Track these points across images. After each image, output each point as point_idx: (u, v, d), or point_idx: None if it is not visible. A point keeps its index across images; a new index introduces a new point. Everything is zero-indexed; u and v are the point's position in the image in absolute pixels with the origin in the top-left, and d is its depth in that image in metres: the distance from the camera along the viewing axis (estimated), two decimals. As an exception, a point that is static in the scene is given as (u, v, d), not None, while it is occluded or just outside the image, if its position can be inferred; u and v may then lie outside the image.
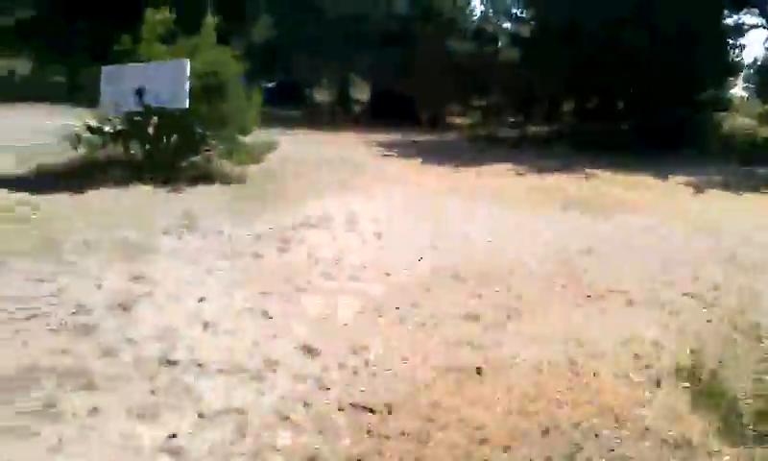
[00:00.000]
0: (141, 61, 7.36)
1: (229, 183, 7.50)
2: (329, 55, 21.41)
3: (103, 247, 4.78)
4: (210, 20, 7.74)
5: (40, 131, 10.14)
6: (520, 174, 11.06)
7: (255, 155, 7.74)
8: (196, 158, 7.76)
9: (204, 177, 7.50)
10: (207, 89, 7.39)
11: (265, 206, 6.62)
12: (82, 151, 7.48)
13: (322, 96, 27.34)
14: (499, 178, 10.52)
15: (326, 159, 10.50)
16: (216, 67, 7.44)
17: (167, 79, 7.12)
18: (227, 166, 7.88)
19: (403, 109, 22.26)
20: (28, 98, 17.20)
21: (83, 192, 6.50)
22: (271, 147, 7.97)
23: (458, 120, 23.98)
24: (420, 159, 12.46)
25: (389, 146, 14.78)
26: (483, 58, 21.88)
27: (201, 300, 3.92)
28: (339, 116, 22.46)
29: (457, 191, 8.70)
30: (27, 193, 6.17)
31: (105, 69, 7.43)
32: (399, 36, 21.01)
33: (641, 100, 17.70)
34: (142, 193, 6.70)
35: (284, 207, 6.63)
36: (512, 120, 22.46)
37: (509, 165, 11.86)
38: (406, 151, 13.91)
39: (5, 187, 6.40)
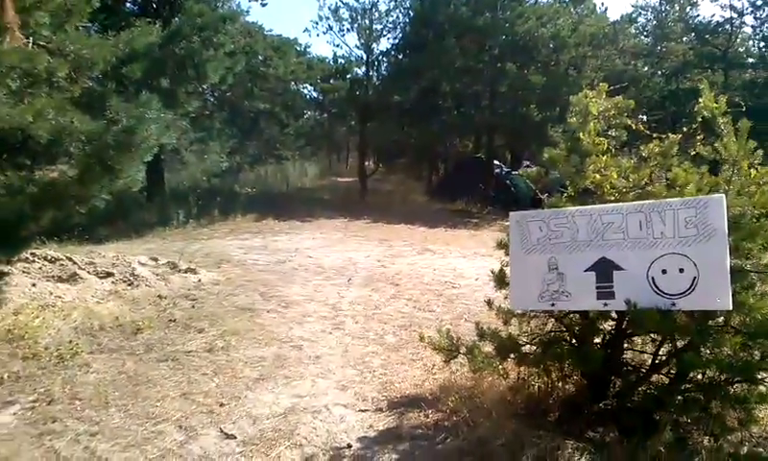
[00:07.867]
0: (600, 201, 3.53)
1: None
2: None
3: None
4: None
5: (352, 279, 7.39)
6: None
7: None
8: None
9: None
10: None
11: None
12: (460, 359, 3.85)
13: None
14: None
15: None
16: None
17: (673, 242, 3.06)
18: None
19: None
20: (322, 203, 16.39)
21: None
22: None
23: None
24: None
25: None
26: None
27: None
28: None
29: None
30: None
31: (516, 217, 3.75)
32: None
33: None
34: None
35: None
36: None
37: None
38: None
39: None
